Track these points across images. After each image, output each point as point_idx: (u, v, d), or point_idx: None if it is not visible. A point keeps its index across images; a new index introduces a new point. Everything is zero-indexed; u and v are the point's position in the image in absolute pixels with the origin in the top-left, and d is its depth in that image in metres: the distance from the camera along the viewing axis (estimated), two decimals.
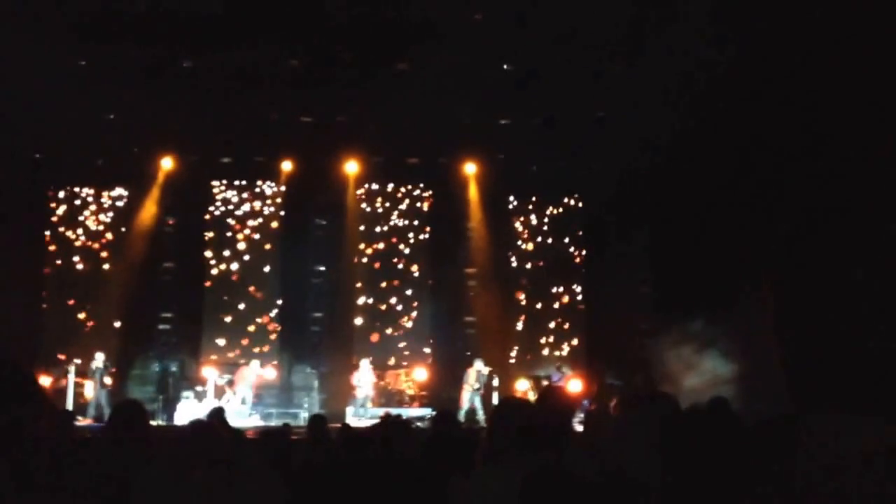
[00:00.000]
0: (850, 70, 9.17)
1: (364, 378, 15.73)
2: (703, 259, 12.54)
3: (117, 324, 16.74)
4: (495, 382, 15.72)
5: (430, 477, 4.67)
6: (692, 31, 10.90)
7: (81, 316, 16.91)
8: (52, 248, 17.18)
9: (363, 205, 17.76)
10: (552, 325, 17.50)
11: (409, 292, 17.82)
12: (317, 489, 5.47)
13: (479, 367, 15.45)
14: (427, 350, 17.39)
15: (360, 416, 15.13)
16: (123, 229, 16.99)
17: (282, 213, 17.56)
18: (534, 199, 17.80)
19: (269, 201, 17.79)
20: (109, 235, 17.27)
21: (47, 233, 17.15)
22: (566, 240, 17.65)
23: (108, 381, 15.30)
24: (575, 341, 17.37)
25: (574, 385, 15.51)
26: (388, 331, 17.70)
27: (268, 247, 17.62)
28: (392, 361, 17.58)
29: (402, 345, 17.66)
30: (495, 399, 15.44)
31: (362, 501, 5.19)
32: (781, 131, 10.18)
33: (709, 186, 12.37)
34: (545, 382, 15.79)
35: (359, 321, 17.51)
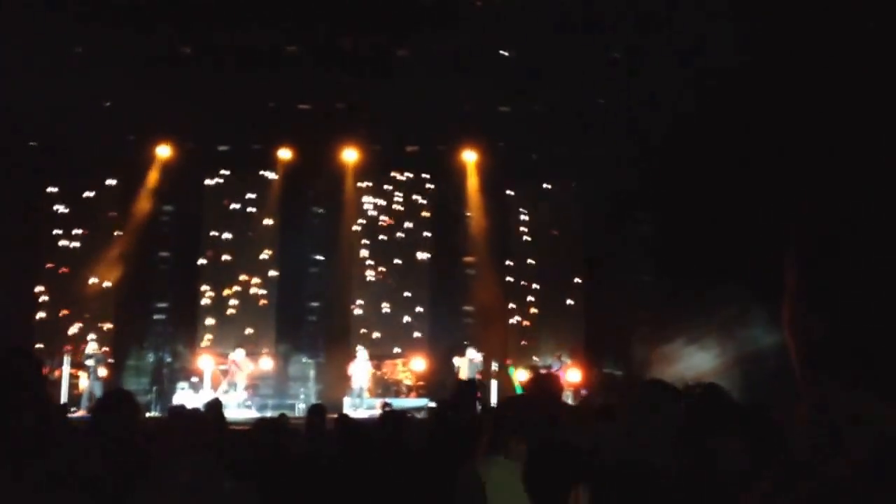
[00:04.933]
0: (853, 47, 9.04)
1: (359, 368, 15.62)
2: (707, 245, 12.42)
3: (112, 313, 16.61)
4: (493, 369, 15.64)
5: (433, 466, 4.56)
6: (696, 15, 10.77)
7: (76, 306, 16.74)
8: (46, 236, 17.00)
9: (361, 193, 17.59)
10: (551, 313, 17.38)
11: (407, 281, 17.70)
12: (317, 479, 5.36)
13: (471, 356, 15.37)
14: (425, 340, 17.26)
15: (357, 406, 15.04)
16: (119, 217, 16.80)
17: (279, 201, 17.39)
18: (533, 186, 17.64)
19: (266, 190, 17.63)
20: (105, 224, 17.08)
21: (42, 221, 16.96)
22: (566, 228, 17.48)
23: (102, 371, 15.17)
24: (574, 330, 17.25)
25: (573, 374, 15.42)
26: (386, 320, 17.58)
27: (265, 235, 17.47)
28: (389, 351, 17.46)
29: (399, 334, 17.54)
30: (493, 387, 15.38)
31: (364, 492, 5.08)
32: (787, 116, 10.06)
33: (712, 173, 12.24)
34: (544, 371, 15.68)
35: (356, 311, 17.39)
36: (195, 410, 3.95)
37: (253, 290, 17.30)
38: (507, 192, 17.63)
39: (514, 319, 17.38)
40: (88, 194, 17.18)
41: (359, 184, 17.46)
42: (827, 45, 9.61)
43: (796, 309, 0.90)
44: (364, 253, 17.69)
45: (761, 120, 11.05)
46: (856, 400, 0.82)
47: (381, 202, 17.86)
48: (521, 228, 17.74)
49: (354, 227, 17.45)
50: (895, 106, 7.75)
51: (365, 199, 17.69)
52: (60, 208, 17.05)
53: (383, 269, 17.70)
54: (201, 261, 17.23)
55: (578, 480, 2.85)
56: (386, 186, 17.91)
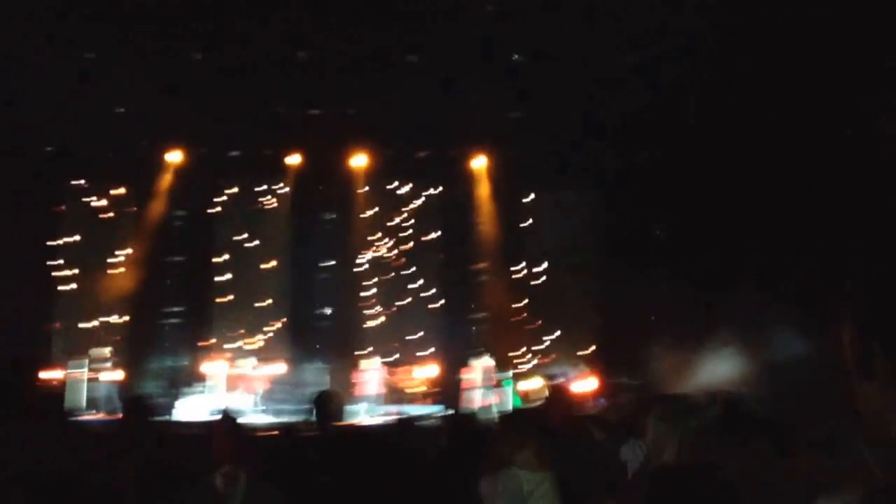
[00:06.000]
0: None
1: (373, 375, 15.63)
2: (729, 250, 12.36)
3: (127, 318, 16.68)
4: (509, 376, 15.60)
5: (447, 474, 4.56)
6: (716, 20, 10.73)
7: (92, 310, 16.82)
8: (60, 242, 17.08)
9: (372, 199, 17.59)
10: (566, 321, 17.30)
11: (418, 288, 17.69)
12: (332, 486, 5.37)
13: (485, 363, 15.34)
14: (437, 347, 17.23)
15: (372, 413, 15.04)
16: (130, 223, 16.87)
17: (290, 207, 17.42)
18: (548, 193, 17.58)
19: (276, 195, 17.66)
20: (117, 229, 17.16)
21: (55, 227, 17.04)
22: (580, 234, 17.38)
23: (115, 375, 15.26)
24: (590, 338, 17.15)
25: (589, 383, 15.35)
26: (398, 327, 17.56)
27: (276, 241, 17.49)
28: (401, 358, 17.44)
29: (411, 341, 17.52)
30: (508, 394, 15.35)
31: (377, 498, 5.09)
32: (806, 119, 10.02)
33: (733, 181, 12.17)
34: (561, 379, 15.63)
35: (367, 317, 17.39)
36: (237, 417, 3.95)
37: (265, 296, 17.33)
38: (521, 198, 17.57)
39: (529, 326, 17.31)
40: (100, 199, 17.27)
41: (368, 189, 17.41)
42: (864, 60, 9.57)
43: (856, 332, 0.90)
44: (374, 258, 17.69)
45: (779, 122, 11.01)
46: None
47: (392, 208, 17.86)
48: (534, 235, 17.67)
49: (365, 233, 17.45)
50: None
51: (375, 204, 17.66)
52: (74, 212, 17.15)
53: (394, 276, 17.71)
54: (214, 264, 17.27)
55: (613, 490, 2.86)
56: (396, 192, 17.92)
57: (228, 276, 17.37)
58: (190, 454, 3.57)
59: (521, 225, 17.42)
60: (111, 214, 17.32)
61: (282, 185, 17.46)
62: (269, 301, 17.35)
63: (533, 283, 17.42)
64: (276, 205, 17.67)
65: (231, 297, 17.30)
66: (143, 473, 3.29)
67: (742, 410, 3.79)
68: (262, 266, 17.44)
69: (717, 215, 12.80)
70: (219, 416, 6.59)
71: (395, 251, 17.88)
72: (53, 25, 12.23)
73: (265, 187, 17.67)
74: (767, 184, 11.05)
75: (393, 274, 17.76)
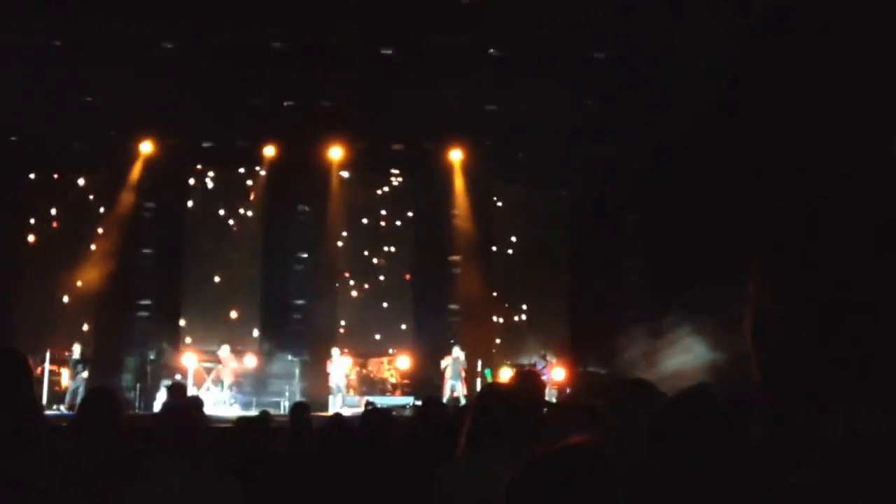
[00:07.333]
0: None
1: (335, 367, 15.62)
2: (691, 247, 12.48)
3: (94, 310, 16.48)
4: (478, 368, 15.66)
5: (417, 463, 4.57)
6: (688, 22, 10.83)
7: (57, 303, 16.59)
8: (27, 233, 16.84)
9: (346, 191, 17.53)
10: (536, 313, 17.41)
11: (392, 280, 17.69)
12: (300, 477, 5.36)
13: (456, 355, 15.41)
14: (410, 338, 17.25)
15: (339, 404, 15.04)
16: (101, 214, 16.66)
17: (264, 198, 17.31)
18: (520, 186, 17.65)
19: (250, 186, 17.55)
20: (87, 220, 16.94)
21: (22, 217, 16.79)
22: (552, 227, 17.49)
23: (86, 373, 15.08)
24: (560, 329, 17.27)
25: (557, 373, 15.45)
26: (371, 318, 17.56)
27: (249, 233, 17.39)
28: (374, 349, 17.44)
29: (384, 333, 17.53)
30: (478, 386, 15.40)
31: (347, 489, 5.09)
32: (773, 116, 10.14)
33: (700, 174, 12.29)
34: (526, 368, 15.71)
35: (341, 309, 17.36)
36: (187, 407, 3.93)
37: (237, 287, 17.24)
38: (494, 191, 17.63)
39: (500, 318, 17.40)
40: (70, 190, 17.05)
41: (343, 181, 17.36)
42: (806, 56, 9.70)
43: (757, 318, 0.91)
44: (348, 250, 17.66)
45: (751, 118, 11.13)
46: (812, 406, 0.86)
47: (366, 200, 17.84)
48: (508, 227, 17.76)
49: (339, 225, 17.40)
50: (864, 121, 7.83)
51: (350, 196, 17.62)
52: (41, 204, 16.91)
53: (368, 268, 17.71)
54: (185, 257, 17.14)
55: None
56: (371, 184, 17.90)
57: (200, 269, 17.24)
58: (144, 445, 3.56)
59: (494, 218, 17.47)
60: (82, 204, 17.09)
61: (256, 177, 17.35)
62: (241, 294, 17.25)
63: (505, 275, 17.49)
64: (249, 197, 17.56)
65: (202, 290, 17.18)
66: (96, 465, 3.27)
67: (706, 398, 3.82)
68: (235, 257, 17.33)
69: (689, 207, 12.92)
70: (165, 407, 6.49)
71: (369, 244, 17.86)
72: (27, 12, 12.06)
73: (239, 179, 17.55)
74: (740, 178, 11.17)
75: (366, 267, 17.75)
